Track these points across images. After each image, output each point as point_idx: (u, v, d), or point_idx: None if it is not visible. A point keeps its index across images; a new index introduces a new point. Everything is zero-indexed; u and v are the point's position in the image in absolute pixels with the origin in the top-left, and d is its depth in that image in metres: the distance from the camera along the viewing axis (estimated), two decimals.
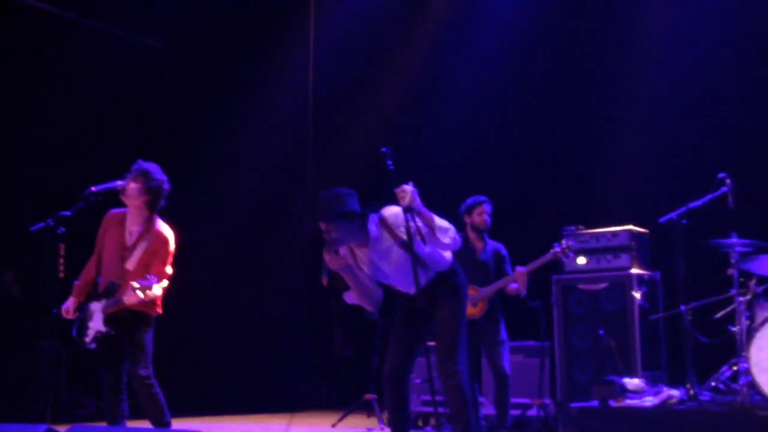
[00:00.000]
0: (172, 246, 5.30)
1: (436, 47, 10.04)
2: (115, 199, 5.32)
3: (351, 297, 4.84)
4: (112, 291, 5.16)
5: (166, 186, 5.32)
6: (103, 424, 5.39)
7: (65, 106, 9.91)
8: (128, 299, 4.97)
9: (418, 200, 4.45)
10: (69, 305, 5.22)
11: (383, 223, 4.66)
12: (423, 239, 4.52)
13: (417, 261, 4.48)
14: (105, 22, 10.00)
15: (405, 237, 4.50)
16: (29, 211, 6.63)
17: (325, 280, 4.65)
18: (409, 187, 4.42)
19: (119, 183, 5.24)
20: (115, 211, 5.41)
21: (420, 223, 4.49)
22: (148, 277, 4.97)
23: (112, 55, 10.15)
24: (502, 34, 9.55)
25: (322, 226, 4.61)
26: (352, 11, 10.29)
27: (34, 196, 9.23)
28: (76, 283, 5.32)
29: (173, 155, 10.08)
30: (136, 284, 4.92)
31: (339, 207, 4.57)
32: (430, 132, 9.87)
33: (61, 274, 5.03)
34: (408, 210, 4.41)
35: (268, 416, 9.35)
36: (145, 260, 5.20)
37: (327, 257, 4.60)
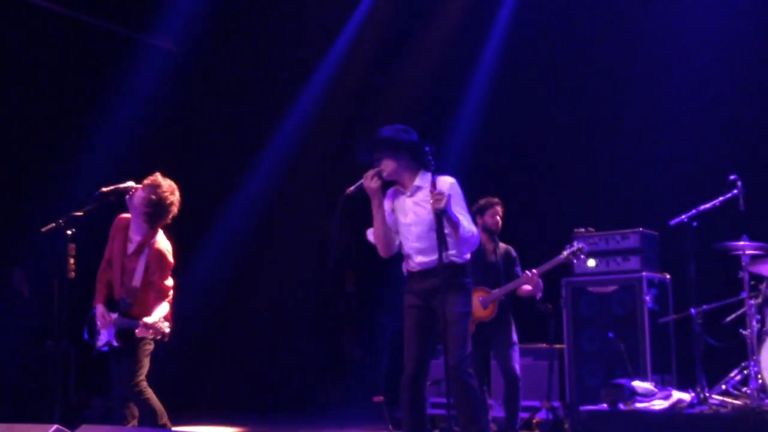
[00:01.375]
0: (170, 258, 5.23)
1: (448, 49, 10.02)
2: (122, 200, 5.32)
3: (371, 234, 4.86)
4: (125, 310, 5.13)
5: (173, 208, 5.21)
6: (112, 424, 5.38)
7: (75, 106, 9.94)
8: (139, 333, 4.98)
9: (449, 203, 4.53)
10: (102, 312, 5.16)
11: (433, 183, 4.68)
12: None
13: (442, 241, 4.49)
14: (115, 23, 10.01)
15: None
16: (39, 211, 6.64)
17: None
18: (445, 193, 4.49)
19: (131, 184, 5.22)
20: (123, 215, 5.38)
21: (446, 227, 4.58)
22: (160, 320, 4.94)
23: (122, 56, 10.16)
24: (512, 34, 9.54)
25: (376, 156, 4.71)
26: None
27: (44, 196, 9.25)
28: (98, 286, 5.28)
29: (184, 156, 10.10)
30: (147, 320, 4.90)
31: (397, 135, 4.71)
32: (441, 133, 9.86)
33: (72, 275, 5.02)
34: (440, 212, 4.46)
35: (277, 417, 9.35)
36: (148, 276, 5.16)
37: (369, 174, 4.64)
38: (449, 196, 4.54)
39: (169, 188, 5.17)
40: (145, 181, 5.20)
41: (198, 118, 10.83)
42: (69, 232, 5.01)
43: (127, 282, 5.16)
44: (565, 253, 6.52)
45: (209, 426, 7.63)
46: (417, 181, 4.77)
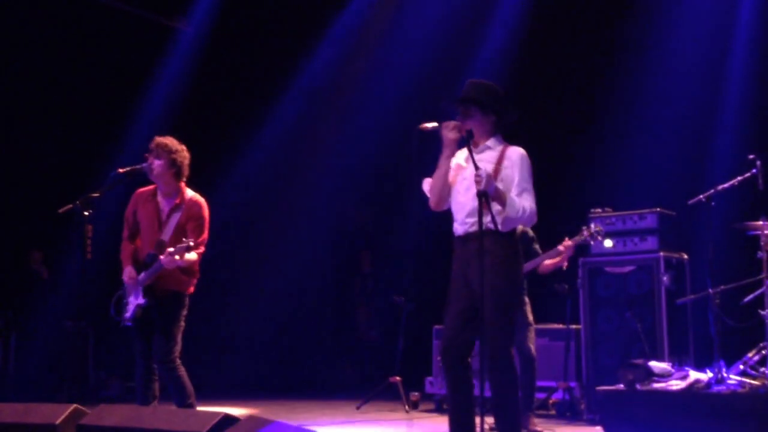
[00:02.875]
0: (206, 212, 5.39)
1: (455, 25, 9.94)
2: (141, 179, 5.38)
3: (427, 184, 4.78)
4: (150, 262, 5.24)
5: (187, 154, 5.41)
6: (130, 404, 5.43)
7: (90, 88, 9.96)
8: (166, 264, 5.07)
9: (493, 184, 4.43)
10: (130, 272, 5.27)
11: (502, 150, 4.64)
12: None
13: (481, 220, 4.38)
14: (129, 3, 10.00)
15: (500, 177, 4.53)
16: (57, 192, 6.67)
17: (426, 126, 4.60)
18: (483, 174, 4.39)
19: (144, 164, 5.31)
20: (142, 189, 5.49)
21: (495, 207, 4.48)
22: (184, 240, 5.07)
23: (135, 37, 10.16)
24: (526, 12, 9.46)
25: (462, 109, 4.64)
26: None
27: (61, 177, 9.30)
28: (123, 258, 5.38)
29: (197, 136, 10.09)
30: (171, 249, 5.04)
31: (488, 95, 4.65)
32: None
33: (89, 256, 5.07)
34: (483, 195, 4.37)
35: (294, 399, 9.40)
36: (180, 229, 5.28)
37: (450, 124, 4.57)
38: (491, 180, 4.42)
39: (176, 143, 5.37)
40: (156, 150, 5.31)
41: (210, 93, 10.79)
42: (86, 213, 5.05)
43: (158, 238, 5.26)
44: (583, 234, 6.51)
45: (226, 406, 7.67)
46: (489, 142, 4.70)
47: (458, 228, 4.67)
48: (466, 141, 4.55)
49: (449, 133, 4.58)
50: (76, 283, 5.07)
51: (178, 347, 5.25)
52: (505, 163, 4.61)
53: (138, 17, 10.08)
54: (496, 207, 4.47)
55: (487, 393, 4.48)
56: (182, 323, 5.30)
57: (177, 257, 5.04)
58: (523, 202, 4.54)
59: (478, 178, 4.37)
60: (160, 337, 5.22)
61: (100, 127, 9.97)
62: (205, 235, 5.34)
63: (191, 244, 5.07)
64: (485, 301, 4.33)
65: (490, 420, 4.84)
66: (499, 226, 4.48)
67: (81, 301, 5.19)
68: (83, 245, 5.01)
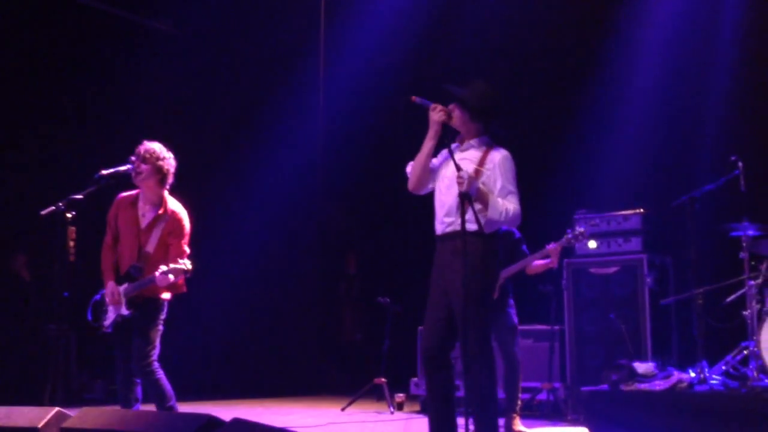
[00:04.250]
0: (187, 224, 5.37)
1: (439, 25, 9.94)
2: (124, 182, 5.36)
3: (410, 167, 4.75)
4: (134, 275, 5.21)
5: (174, 162, 5.39)
6: (114, 407, 5.41)
7: (73, 89, 9.90)
8: (161, 282, 5.06)
9: (474, 186, 4.43)
10: (113, 289, 5.23)
11: (486, 151, 4.63)
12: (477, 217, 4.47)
13: (471, 206, 4.37)
14: (114, 5, 9.96)
15: (482, 179, 4.51)
16: (39, 194, 6.63)
17: (416, 99, 4.59)
18: (465, 175, 4.39)
19: (128, 167, 5.28)
20: (125, 194, 5.45)
21: (477, 206, 4.45)
22: (179, 261, 5.08)
23: (122, 39, 10.12)
24: (506, 9, 9.47)
25: (457, 99, 4.63)
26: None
27: (44, 179, 9.25)
28: (104, 268, 5.35)
29: (183, 139, 10.06)
30: (165, 267, 5.03)
31: (484, 101, 4.64)
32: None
33: (72, 258, 5.05)
34: (464, 197, 4.35)
35: (278, 400, 9.39)
36: (164, 241, 5.27)
37: (439, 107, 4.56)
38: (474, 182, 4.43)
39: (164, 150, 5.35)
40: (142, 154, 5.28)
41: (195, 95, 10.76)
42: (69, 215, 5.03)
43: (140, 250, 5.24)
44: (567, 236, 6.54)
45: (210, 408, 7.65)
46: (473, 141, 4.68)
47: (438, 227, 4.66)
48: (447, 140, 4.56)
49: (435, 115, 4.56)
50: (59, 285, 5.03)
51: (157, 350, 5.23)
52: (488, 165, 4.60)
53: (125, 19, 10.05)
54: (477, 207, 4.45)
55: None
56: (161, 327, 5.28)
57: (171, 276, 5.04)
58: (506, 204, 4.53)
59: (460, 179, 4.37)
60: (138, 340, 5.19)
61: (83, 128, 9.91)
62: (187, 250, 5.30)
63: (188, 267, 5.07)
64: (461, 302, 4.32)
65: None
66: (483, 228, 4.46)
67: (64, 304, 5.14)
68: (66, 248, 4.98)
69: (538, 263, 6.49)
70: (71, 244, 5.04)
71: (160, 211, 5.31)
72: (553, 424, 6.79)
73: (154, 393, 5.20)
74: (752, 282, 6.08)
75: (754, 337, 5.85)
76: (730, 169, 6.22)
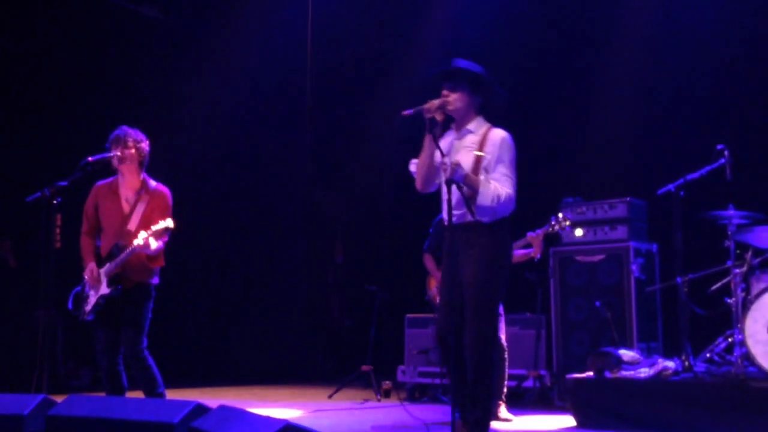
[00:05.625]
0: (170, 200, 5.42)
1: (430, 17, 9.92)
2: (104, 169, 5.38)
3: (413, 165, 4.72)
4: (116, 254, 5.23)
5: (148, 144, 5.46)
6: (100, 394, 5.41)
7: (58, 75, 9.83)
8: (143, 248, 5.09)
9: (459, 173, 4.38)
10: (92, 268, 5.26)
11: (484, 134, 4.58)
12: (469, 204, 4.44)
13: (469, 200, 4.39)
14: None
15: (483, 164, 4.47)
16: (26, 181, 6.60)
17: (408, 112, 4.48)
18: (449, 162, 4.37)
19: (113, 154, 5.29)
20: (102, 182, 5.48)
21: (465, 191, 4.44)
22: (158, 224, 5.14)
23: (106, 23, 10.05)
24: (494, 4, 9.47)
25: (448, 85, 4.55)
26: None
27: (30, 166, 9.19)
28: (84, 254, 5.37)
29: (165, 124, 10.01)
30: (144, 233, 5.07)
31: (480, 72, 4.58)
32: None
33: (57, 245, 5.05)
34: (449, 183, 4.34)
35: (266, 388, 9.40)
36: (146, 218, 5.28)
37: (434, 104, 4.49)
38: (458, 168, 4.38)
39: (140, 134, 5.43)
40: (125, 140, 5.32)
41: (178, 83, 10.69)
42: (54, 202, 5.02)
43: (123, 230, 5.26)
44: (552, 223, 6.56)
45: (197, 395, 7.65)
46: (471, 125, 4.62)
47: (446, 218, 4.58)
48: (431, 128, 4.49)
49: (429, 113, 4.50)
50: (44, 272, 5.02)
51: (145, 337, 5.25)
52: (488, 147, 4.54)
53: (109, 4, 9.97)
54: (468, 193, 4.42)
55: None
56: (149, 314, 5.30)
57: (153, 241, 5.07)
58: (498, 189, 4.45)
59: (444, 166, 4.36)
60: (128, 329, 5.22)
61: (68, 115, 9.84)
62: (170, 222, 5.31)
63: (169, 225, 5.11)
64: (469, 292, 4.36)
65: None
66: (474, 216, 4.45)
67: (50, 291, 5.14)
68: (52, 234, 4.97)
69: (519, 253, 6.50)
70: (57, 230, 5.04)
71: (143, 191, 5.35)
72: (539, 412, 6.82)
73: (144, 380, 5.22)
74: (737, 270, 6.11)
75: (739, 326, 5.89)
76: (716, 158, 6.24)
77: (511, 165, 4.58)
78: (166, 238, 5.26)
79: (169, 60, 10.40)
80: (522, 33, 9.32)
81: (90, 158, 5.26)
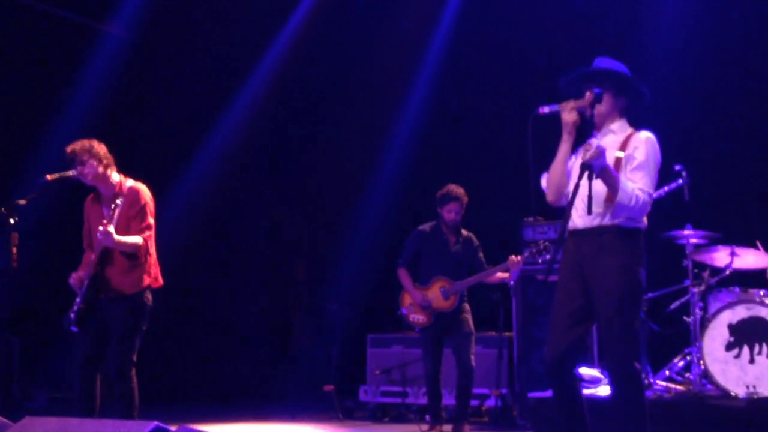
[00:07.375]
0: (147, 197, 5.34)
1: (394, 35, 9.97)
2: (71, 185, 5.32)
3: (544, 180, 4.40)
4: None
5: (102, 145, 5.32)
6: (57, 416, 5.29)
7: (12, 91, 9.70)
8: (103, 239, 5.00)
9: (603, 161, 3.95)
10: (78, 275, 5.19)
11: (629, 135, 4.22)
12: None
13: (575, 194, 3.99)
14: (61, 7, 9.77)
15: (624, 165, 4.11)
16: None
17: (544, 111, 4.17)
18: (595, 142, 3.99)
19: (72, 172, 5.21)
20: (89, 197, 5.46)
21: (599, 185, 4.03)
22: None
23: (69, 41, 9.95)
24: (463, 18, 9.52)
25: (590, 91, 4.16)
26: None
27: None
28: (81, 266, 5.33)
29: (136, 141, 9.93)
30: (111, 227, 4.99)
31: (625, 71, 4.29)
32: (387, 122, 9.86)
33: (15, 264, 4.95)
34: (586, 167, 3.94)
35: (228, 406, 9.31)
36: (125, 218, 5.21)
37: (569, 105, 4.15)
38: (603, 149, 3.94)
39: (86, 142, 5.26)
40: (80, 156, 5.20)
41: (142, 98, 10.60)
42: (11, 221, 4.94)
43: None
44: (532, 251, 6.51)
45: (159, 414, 7.54)
46: (614, 126, 4.25)
47: (578, 221, 4.20)
48: (576, 129, 4.14)
49: (569, 115, 4.16)
50: (1, 292, 4.93)
51: (134, 357, 5.14)
52: (630, 149, 4.16)
53: (64, 19, 9.87)
54: (602, 189, 4.03)
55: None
56: (137, 330, 5.19)
57: (115, 235, 4.99)
58: (636, 190, 4.04)
59: (588, 146, 3.96)
60: (114, 346, 5.09)
61: (24, 132, 9.71)
62: (148, 220, 5.29)
63: (137, 242, 5.10)
64: (603, 307, 4.00)
65: None
66: (609, 217, 4.07)
67: (6, 311, 5.05)
68: (9, 253, 4.89)
69: (497, 276, 6.52)
70: (14, 249, 4.94)
71: (120, 195, 5.26)
72: (501, 431, 6.83)
73: (122, 402, 5.07)
74: (695, 289, 6.20)
75: (697, 344, 5.96)
76: (674, 179, 6.33)
77: (655, 167, 4.24)
78: (147, 234, 5.23)
79: (132, 77, 10.31)
80: (486, 45, 9.36)
81: (48, 176, 5.17)
